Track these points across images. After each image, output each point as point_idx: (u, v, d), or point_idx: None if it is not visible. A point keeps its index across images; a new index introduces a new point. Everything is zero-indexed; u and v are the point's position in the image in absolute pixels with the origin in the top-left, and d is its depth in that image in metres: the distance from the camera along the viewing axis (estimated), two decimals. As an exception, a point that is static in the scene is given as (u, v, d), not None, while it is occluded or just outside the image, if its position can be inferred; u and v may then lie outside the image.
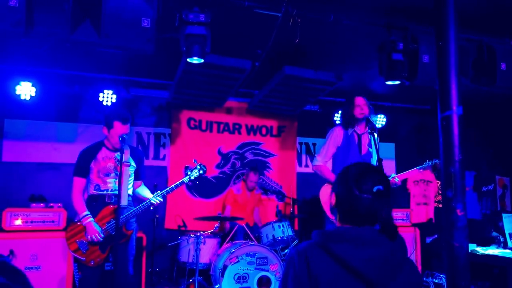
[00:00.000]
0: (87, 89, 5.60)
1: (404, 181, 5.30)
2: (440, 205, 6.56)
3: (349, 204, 1.55)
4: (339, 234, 1.48)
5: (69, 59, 4.98)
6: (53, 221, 4.60)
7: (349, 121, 3.95)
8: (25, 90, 5.10)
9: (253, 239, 4.81)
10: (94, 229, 3.35)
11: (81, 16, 3.08)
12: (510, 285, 4.20)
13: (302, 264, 1.46)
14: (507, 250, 4.68)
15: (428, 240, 6.26)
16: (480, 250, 4.73)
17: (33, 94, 5.13)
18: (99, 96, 5.42)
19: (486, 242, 5.09)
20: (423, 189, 6.71)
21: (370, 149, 3.98)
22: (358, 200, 1.52)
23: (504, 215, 4.89)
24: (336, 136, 3.96)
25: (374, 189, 1.52)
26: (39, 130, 5.62)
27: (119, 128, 3.45)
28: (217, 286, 4.30)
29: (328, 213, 3.83)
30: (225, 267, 4.28)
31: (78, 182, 3.49)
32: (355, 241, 1.44)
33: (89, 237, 3.36)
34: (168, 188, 3.64)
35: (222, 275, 4.25)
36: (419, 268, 5.81)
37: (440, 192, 6.69)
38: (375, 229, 1.50)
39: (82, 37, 3.10)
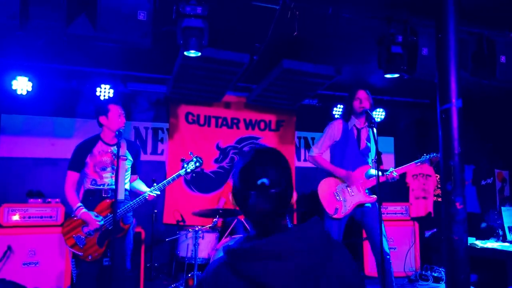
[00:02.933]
0: (84, 84, 5.56)
1: (403, 175, 5.29)
2: (439, 199, 6.56)
3: (241, 202, 1.32)
4: (248, 251, 1.22)
5: (65, 53, 4.94)
6: (51, 217, 4.60)
7: (349, 113, 3.94)
8: (22, 85, 5.06)
9: (252, 233, 4.80)
10: (91, 217, 3.33)
11: (77, 9, 3.05)
12: (509, 278, 4.20)
13: None
14: (506, 244, 4.68)
15: (427, 234, 6.27)
16: (479, 243, 4.73)
17: (30, 89, 5.09)
18: (96, 91, 5.39)
19: (485, 235, 5.10)
20: (422, 183, 6.71)
21: (368, 144, 3.97)
22: (246, 198, 1.30)
23: (503, 208, 4.89)
24: (334, 129, 3.94)
25: (258, 182, 1.28)
26: (36, 125, 5.59)
27: (115, 110, 3.50)
28: (216, 280, 4.29)
29: (327, 208, 3.83)
30: (224, 261, 4.27)
31: (72, 176, 3.47)
32: (267, 257, 1.20)
33: (88, 228, 3.34)
34: (165, 181, 3.62)
35: (221, 270, 4.24)
36: (418, 262, 5.82)
37: (439, 186, 6.69)
38: (285, 236, 1.25)
39: (78, 31, 3.08)
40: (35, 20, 2.98)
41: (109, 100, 3.56)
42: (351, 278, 1.28)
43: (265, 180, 1.28)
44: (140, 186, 3.74)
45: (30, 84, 5.09)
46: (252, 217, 1.32)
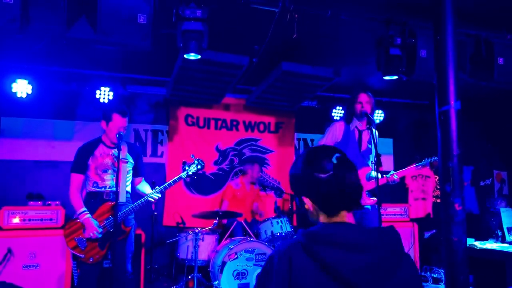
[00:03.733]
0: (84, 86, 5.57)
1: (402, 177, 5.31)
2: (438, 200, 6.58)
3: (323, 194, 1.37)
4: (327, 236, 1.29)
5: (65, 56, 4.95)
6: (51, 219, 4.59)
7: (350, 115, 3.96)
8: (22, 87, 5.07)
9: (252, 235, 4.81)
10: (92, 225, 3.34)
11: (77, 12, 3.06)
12: (508, 279, 4.22)
13: (284, 271, 1.28)
14: (505, 244, 4.69)
15: (426, 235, 6.28)
16: (478, 244, 4.74)
17: (30, 92, 5.11)
18: (96, 93, 5.41)
19: (484, 236, 5.11)
20: (421, 184, 6.72)
21: (369, 146, 3.98)
22: (328, 183, 1.35)
23: (502, 209, 4.90)
24: (335, 131, 3.95)
25: (333, 159, 1.36)
26: (36, 127, 5.60)
27: (118, 121, 3.45)
28: (216, 282, 4.30)
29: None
30: (224, 263, 4.28)
31: (76, 179, 3.48)
32: (346, 245, 1.27)
33: (88, 233, 3.35)
34: (166, 184, 3.63)
35: (221, 272, 4.25)
36: (418, 263, 5.83)
37: (438, 187, 6.70)
38: (368, 230, 1.35)
39: (78, 34, 3.09)
40: (35, 24, 2.99)
41: (117, 109, 3.50)
42: (415, 283, 1.35)
43: (338, 154, 1.36)
44: (145, 188, 3.75)
45: (30, 86, 5.10)
46: (338, 197, 1.36)
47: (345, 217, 1.40)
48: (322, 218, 1.42)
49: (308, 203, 1.42)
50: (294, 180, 1.46)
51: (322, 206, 1.40)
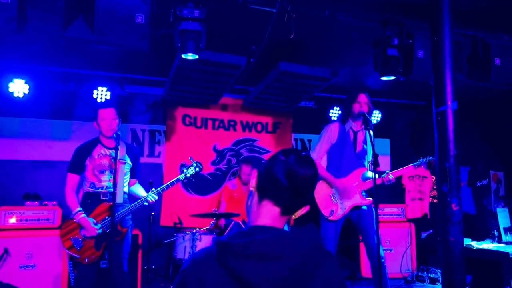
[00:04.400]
0: (81, 86, 5.56)
1: (399, 177, 5.32)
2: (435, 200, 6.59)
3: (268, 170, 1.33)
4: (240, 246, 1.21)
5: (62, 56, 4.94)
6: (48, 219, 4.59)
7: (346, 116, 3.96)
8: (18, 87, 5.05)
9: (249, 235, 4.81)
10: (89, 223, 3.34)
11: (74, 12, 3.06)
12: (505, 279, 4.23)
13: (195, 284, 1.21)
14: (502, 245, 4.71)
15: (423, 235, 6.30)
16: (475, 244, 4.76)
17: (27, 92, 5.09)
18: (93, 93, 5.39)
19: (481, 236, 5.13)
20: (418, 185, 6.74)
21: (365, 146, 3.99)
22: (281, 165, 1.31)
23: (498, 209, 4.92)
24: (330, 133, 3.96)
25: (299, 154, 1.35)
26: (33, 127, 5.58)
27: (102, 113, 3.49)
28: (213, 282, 4.30)
29: (323, 210, 3.84)
30: (221, 263, 4.28)
31: (72, 179, 3.48)
32: (258, 255, 1.19)
33: (85, 233, 3.35)
34: (163, 186, 3.63)
35: (218, 272, 4.24)
36: (415, 263, 5.84)
37: (435, 187, 6.72)
38: (284, 235, 1.26)
39: (76, 34, 3.08)
40: (32, 24, 2.99)
41: (100, 104, 3.54)
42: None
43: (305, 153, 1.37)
44: (139, 190, 3.74)
45: (27, 86, 5.09)
46: (276, 184, 1.31)
47: (269, 214, 1.34)
48: (253, 205, 1.37)
49: (253, 178, 1.39)
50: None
51: (260, 183, 1.36)
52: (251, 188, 1.39)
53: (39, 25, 2.97)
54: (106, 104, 3.55)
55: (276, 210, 1.34)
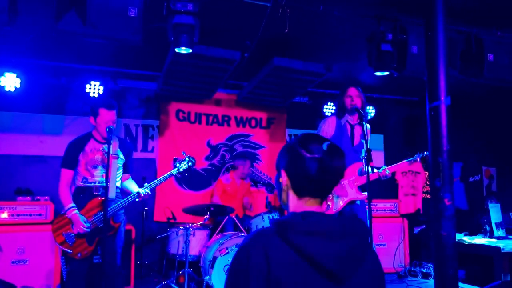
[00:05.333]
0: (73, 81, 5.51)
1: (393, 172, 5.35)
2: (428, 196, 6.63)
3: (301, 170, 1.37)
4: (300, 224, 1.29)
5: (54, 50, 4.89)
6: (40, 214, 4.56)
7: (342, 111, 3.97)
8: (10, 81, 5.00)
9: (243, 230, 4.81)
10: (79, 221, 3.31)
11: (66, 5, 3.02)
12: (496, 273, 4.27)
13: (261, 264, 1.24)
14: (493, 239, 4.75)
15: (416, 230, 6.34)
16: (467, 239, 4.80)
17: (18, 86, 5.04)
18: (85, 88, 5.35)
19: (473, 231, 5.17)
20: (411, 180, 6.77)
21: (362, 140, 3.99)
22: (311, 163, 1.35)
23: (490, 204, 4.96)
24: (328, 126, 3.96)
25: (324, 147, 1.37)
26: (25, 122, 5.53)
27: (105, 115, 3.41)
28: (207, 277, 4.30)
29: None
30: (214, 258, 4.28)
31: (66, 174, 3.45)
32: (318, 232, 1.28)
33: (75, 229, 3.33)
34: (156, 180, 3.61)
35: (212, 267, 4.25)
36: (407, 258, 5.88)
37: (428, 183, 6.76)
38: (338, 218, 1.35)
39: (68, 27, 3.04)
40: (23, 16, 2.95)
41: (103, 103, 3.46)
42: (380, 275, 1.40)
43: (328, 143, 1.39)
44: (132, 186, 3.72)
45: (19, 80, 5.04)
46: (313, 182, 1.37)
47: (314, 204, 1.41)
48: (291, 199, 1.42)
49: (284, 177, 1.42)
50: (280, 154, 1.47)
51: (296, 183, 1.40)
52: (284, 187, 1.44)
53: (30, 17, 2.94)
54: (110, 105, 3.42)
55: (317, 200, 1.42)
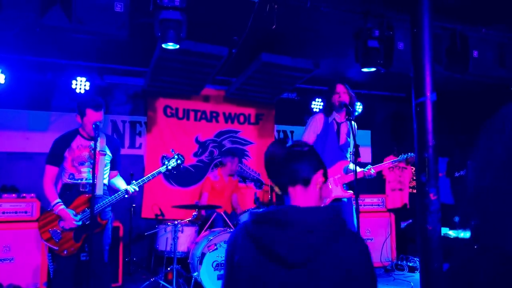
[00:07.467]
0: (59, 76, 5.45)
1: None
2: (415, 191, 6.70)
3: (267, 162, 1.56)
4: (265, 215, 1.42)
5: (40, 45, 4.82)
6: (26, 212, 4.50)
7: (329, 108, 3.98)
8: (-6, 77, 4.93)
9: (232, 226, 4.82)
10: (68, 215, 3.28)
11: (51, -1, 2.98)
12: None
13: (229, 251, 1.47)
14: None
15: (403, 225, 6.41)
16: (452, 233, 4.87)
17: (2, 82, 4.96)
18: (72, 84, 5.29)
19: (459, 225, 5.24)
20: (398, 175, 6.84)
21: (348, 139, 4.01)
22: (273, 157, 1.54)
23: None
24: (316, 123, 3.97)
25: (287, 144, 1.54)
26: (10, 119, 5.45)
27: (92, 116, 3.37)
28: (195, 273, 4.30)
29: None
30: (203, 254, 4.28)
31: (50, 171, 3.41)
32: (275, 222, 1.38)
33: (67, 225, 3.30)
34: (144, 178, 3.59)
35: (201, 263, 4.25)
36: (394, 252, 5.94)
37: (414, 178, 6.83)
38: (298, 207, 1.44)
39: (53, 22, 3.01)
40: (7, 10, 2.90)
41: (90, 103, 3.40)
42: (354, 267, 1.34)
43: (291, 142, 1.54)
44: (119, 183, 3.69)
45: (3, 76, 4.96)
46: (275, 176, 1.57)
47: (294, 195, 1.51)
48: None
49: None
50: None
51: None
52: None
53: (14, 12, 2.89)
54: (97, 105, 3.35)
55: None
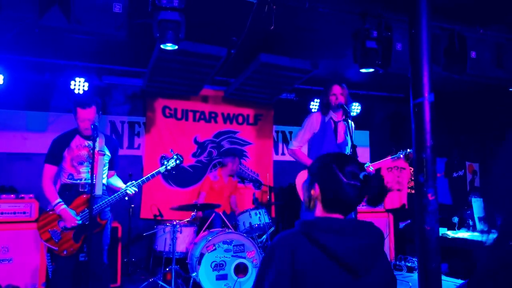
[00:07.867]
0: (58, 77, 5.44)
1: (378, 168, 5.41)
2: (413, 191, 6.71)
3: (335, 192, 1.52)
4: (325, 224, 1.47)
5: (38, 46, 4.82)
6: (24, 212, 4.50)
7: (326, 107, 3.99)
8: (-8, 77, 4.92)
9: (230, 226, 4.82)
10: (69, 215, 3.29)
11: (50, 0, 2.98)
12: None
13: (286, 257, 1.42)
14: (476, 233, 4.84)
15: (401, 225, 6.42)
16: (450, 233, 4.88)
17: (1, 82, 4.95)
18: (70, 84, 5.28)
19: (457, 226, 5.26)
20: (397, 176, 6.85)
21: (346, 138, 4.02)
22: (347, 188, 1.50)
23: (473, 199, 5.05)
24: (313, 122, 3.99)
25: (361, 176, 1.51)
26: (8, 119, 5.45)
27: (81, 114, 3.37)
28: (194, 274, 4.31)
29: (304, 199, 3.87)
30: (202, 255, 4.29)
31: (49, 170, 3.41)
32: (340, 231, 1.45)
33: (65, 224, 3.30)
34: (143, 178, 3.59)
35: (199, 263, 4.25)
36: (393, 252, 5.96)
37: (413, 178, 6.84)
38: (357, 220, 1.55)
39: (51, 22, 3.00)
40: (6, 11, 2.90)
41: (78, 102, 3.41)
42: (392, 274, 1.56)
43: (365, 173, 1.53)
44: (117, 182, 3.70)
45: (1, 77, 4.95)
46: (343, 206, 1.54)
47: (338, 216, 1.56)
48: (318, 209, 1.58)
49: (316, 190, 1.57)
50: (314, 165, 1.62)
51: (328, 201, 1.55)
52: (314, 197, 1.60)
53: (13, 12, 2.89)
54: (83, 103, 3.34)
55: (342, 216, 1.57)
